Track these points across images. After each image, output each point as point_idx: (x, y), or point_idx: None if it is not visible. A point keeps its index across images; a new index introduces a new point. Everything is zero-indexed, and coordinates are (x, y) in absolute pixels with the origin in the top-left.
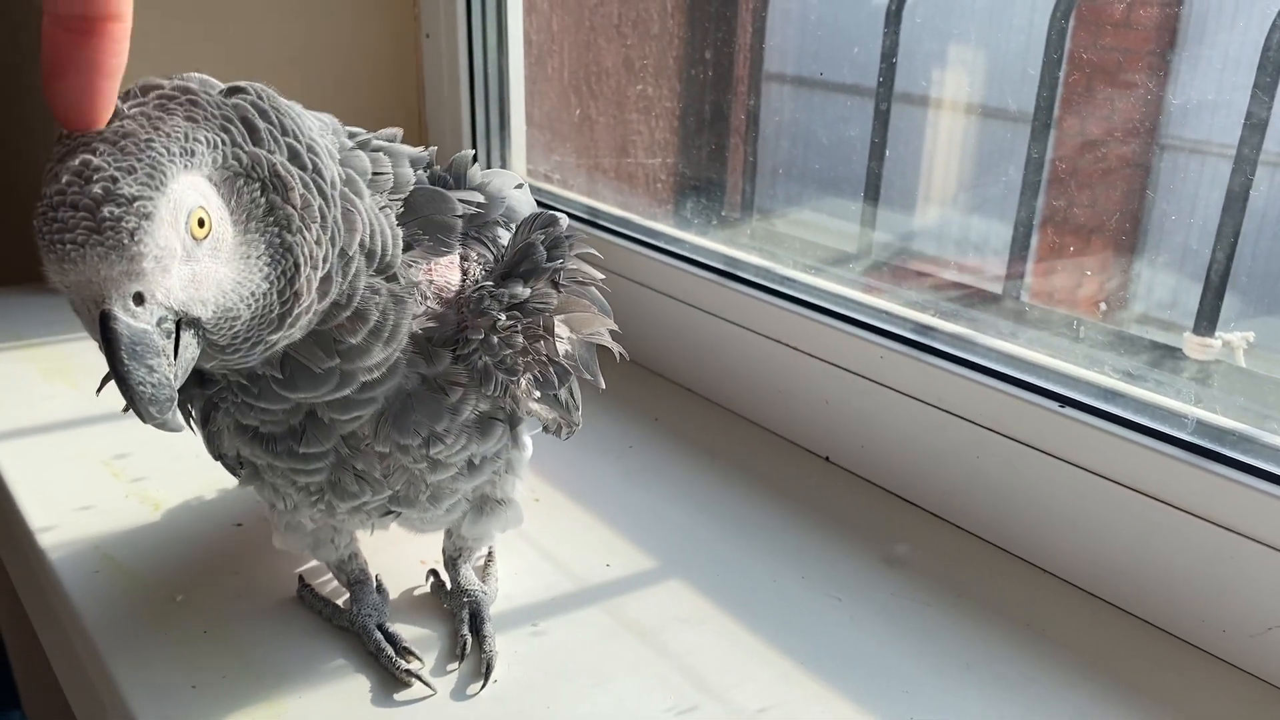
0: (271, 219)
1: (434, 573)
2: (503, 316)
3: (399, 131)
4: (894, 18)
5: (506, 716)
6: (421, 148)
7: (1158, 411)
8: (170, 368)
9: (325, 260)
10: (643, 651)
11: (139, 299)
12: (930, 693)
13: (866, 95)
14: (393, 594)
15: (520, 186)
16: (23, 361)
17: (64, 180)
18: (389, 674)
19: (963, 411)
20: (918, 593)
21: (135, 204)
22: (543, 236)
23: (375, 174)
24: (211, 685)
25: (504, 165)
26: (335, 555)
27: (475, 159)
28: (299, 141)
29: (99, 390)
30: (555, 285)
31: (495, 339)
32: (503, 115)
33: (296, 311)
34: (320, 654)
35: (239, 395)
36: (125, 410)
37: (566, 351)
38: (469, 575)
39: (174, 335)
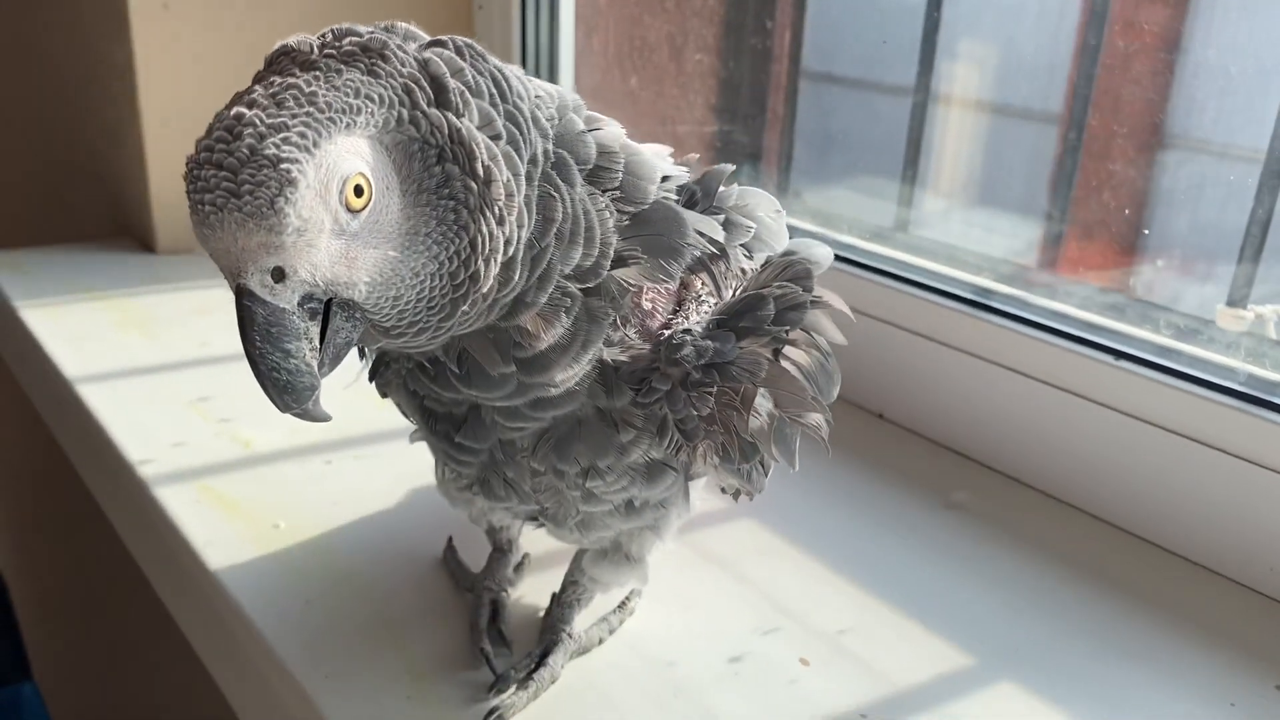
0: (447, 191)
1: (553, 597)
2: (698, 373)
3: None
4: None
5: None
6: (684, 165)
7: (1209, 365)
8: (313, 353)
9: (510, 245)
10: (723, 579)
11: (279, 274)
12: (993, 623)
13: (909, 63)
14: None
15: (779, 212)
16: (97, 313)
17: (214, 135)
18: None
19: (1019, 366)
20: (976, 534)
21: (280, 167)
22: (779, 291)
23: (599, 168)
24: (324, 599)
25: None
26: (489, 526)
27: (734, 175)
28: (496, 106)
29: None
30: (775, 354)
31: (682, 395)
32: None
33: (473, 297)
34: (432, 579)
35: (413, 364)
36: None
37: (761, 428)
38: (569, 614)
39: (321, 316)
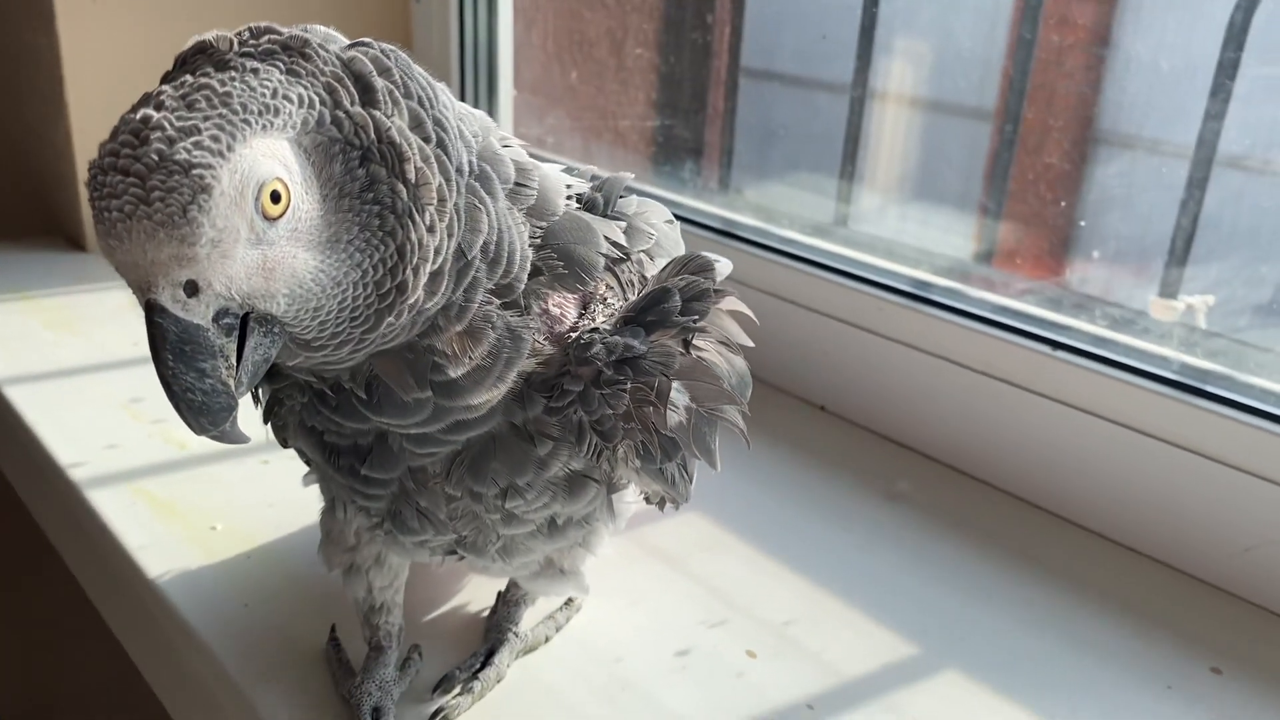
0: (372, 195)
1: (499, 596)
2: (610, 370)
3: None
4: None
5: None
6: (589, 176)
7: (1144, 355)
8: (229, 372)
9: (439, 253)
10: (669, 574)
11: (192, 288)
12: (936, 612)
13: (846, 56)
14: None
15: (670, 223)
16: (25, 314)
17: (119, 139)
18: None
19: (958, 358)
20: (919, 524)
21: (192, 173)
22: (684, 283)
23: (518, 185)
24: (263, 603)
25: None
26: (366, 597)
27: (628, 186)
28: (425, 110)
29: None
30: (685, 345)
31: (596, 394)
32: (491, 80)
33: (399, 308)
34: None
35: (309, 396)
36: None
37: (680, 423)
38: (515, 614)
39: (238, 331)
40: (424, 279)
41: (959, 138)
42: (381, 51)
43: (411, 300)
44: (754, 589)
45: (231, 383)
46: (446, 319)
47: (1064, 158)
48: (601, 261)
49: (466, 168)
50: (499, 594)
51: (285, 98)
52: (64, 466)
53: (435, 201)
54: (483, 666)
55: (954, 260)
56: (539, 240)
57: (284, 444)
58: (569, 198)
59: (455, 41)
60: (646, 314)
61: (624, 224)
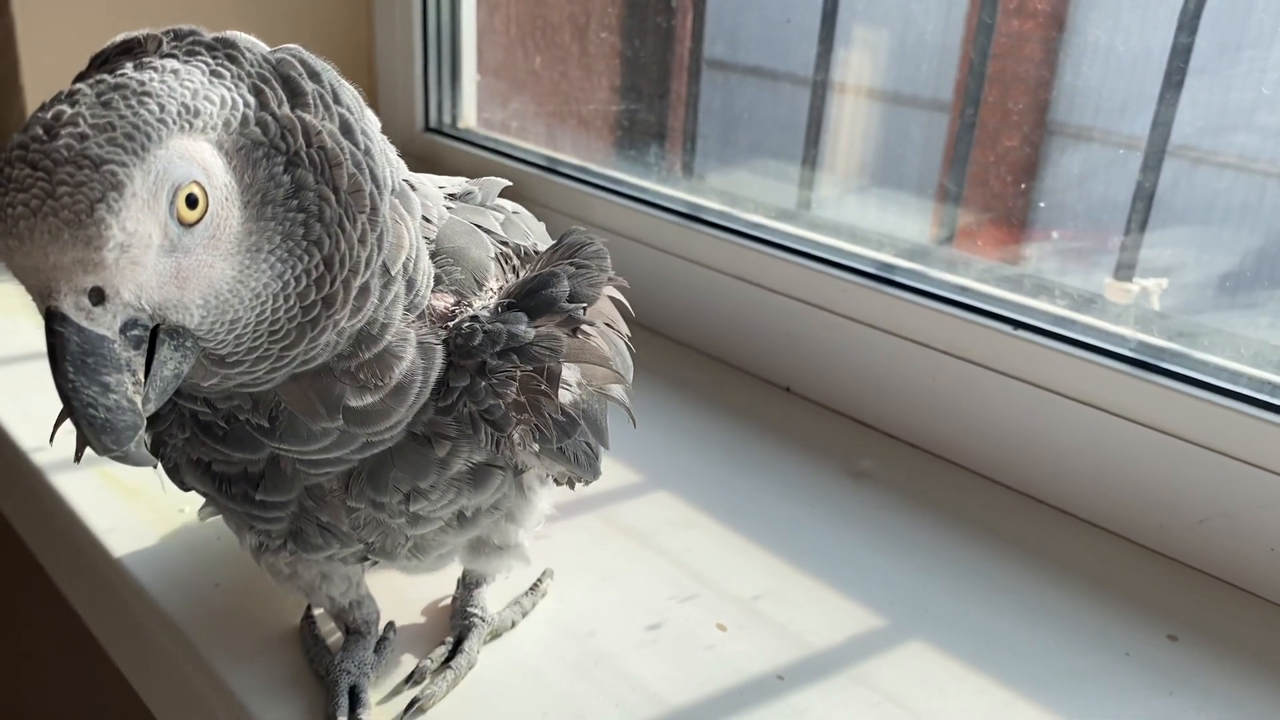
0: (296, 203)
1: (459, 582)
2: (494, 359)
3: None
4: None
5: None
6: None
7: (1102, 333)
8: (135, 388)
9: (368, 265)
10: (639, 551)
11: (98, 296)
12: (901, 585)
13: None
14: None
15: (540, 224)
16: None
17: (30, 133)
18: None
19: (921, 338)
20: (882, 501)
21: (103, 169)
22: (571, 268)
23: (424, 219)
24: (233, 583)
25: (456, 115)
26: (330, 605)
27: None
28: (354, 115)
29: (51, 436)
30: (574, 331)
31: (482, 385)
32: (455, 65)
33: (325, 323)
34: None
35: (190, 431)
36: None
37: (574, 401)
38: (478, 597)
39: (146, 345)
40: (354, 292)
41: (920, 123)
42: (303, 54)
43: (339, 315)
44: (722, 565)
45: (138, 400)
46: (364, 340)
47: (1024, 141)
48: (492, 261)
49: (390, 181)
50: (458, 580)
51: (207, 98)
52: (27, 451)
53: (368, 210)
54: (453, 654)
55: (915, 244)
56: (433, 248)
57: (182, 486)
58: (447, 196)
59: (418, 25)
60: (531, 299)
61: (502, 217)
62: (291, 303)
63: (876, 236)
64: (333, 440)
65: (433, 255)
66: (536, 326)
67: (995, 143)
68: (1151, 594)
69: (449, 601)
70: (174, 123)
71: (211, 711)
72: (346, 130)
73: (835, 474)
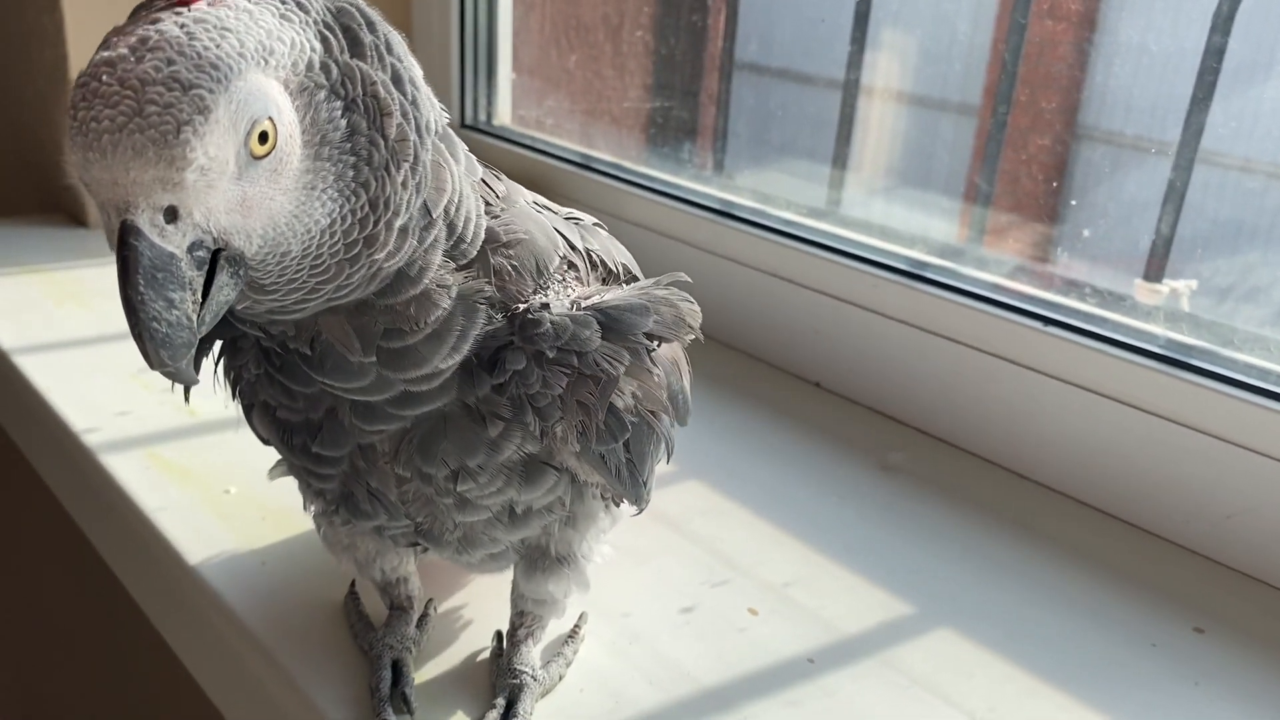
0: (349, 145)
1: (499, 636)
2: (552, 352)
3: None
4: None
5: None
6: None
7: (1132, 330)
8: (195, 306)
9: (408, 208)
10: (672, 537)
11: (171, 215)
12: (930, 575)
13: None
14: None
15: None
16: (33, 286)
17: (115, 51)
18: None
19: (951, 333)
20: (912, 493)
21: (190, 93)
22: (666, 304)
23: (470, 156)
24: (280, 561)
25: (491, 112)
26: (380, 579)
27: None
28: (403, 65)
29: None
30: (644, 359)
31: (536, 372)
32: (490, 63)
33: (364, 261)
34: None
35: (261, 365)
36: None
37: (624, 408)
38: (526, 654)
39: (206, 268)
40: (394, 233)
41: (949, 123)
42: (367, 8)
43: (378, 255)
44: (754, 552)
45: (195, 318)
46: (402, 280)
47: (1055, 141)
48: (558, 255)
49: (433, 127)
50: (498, 634)
51: (280, 39)
52: (78, 432)
53: (411, 159)
54: (507, 716)
55: (944, 243)
56: (497, 215)
57: (255, 433)
58: (534, 204)
59: (455, 24)
60: (610, 314)
61: (585, 232)
62: (336, 239)
63: (906, 235)
64: (370, 381)
65: (496, 218)
66: (605, 340)
67: (1026, 142)
68: (1179, 587)
69: (486, 655)
70: (252, 59)
71: (261, 684)
72: (397, 80)
73: (865, 467)
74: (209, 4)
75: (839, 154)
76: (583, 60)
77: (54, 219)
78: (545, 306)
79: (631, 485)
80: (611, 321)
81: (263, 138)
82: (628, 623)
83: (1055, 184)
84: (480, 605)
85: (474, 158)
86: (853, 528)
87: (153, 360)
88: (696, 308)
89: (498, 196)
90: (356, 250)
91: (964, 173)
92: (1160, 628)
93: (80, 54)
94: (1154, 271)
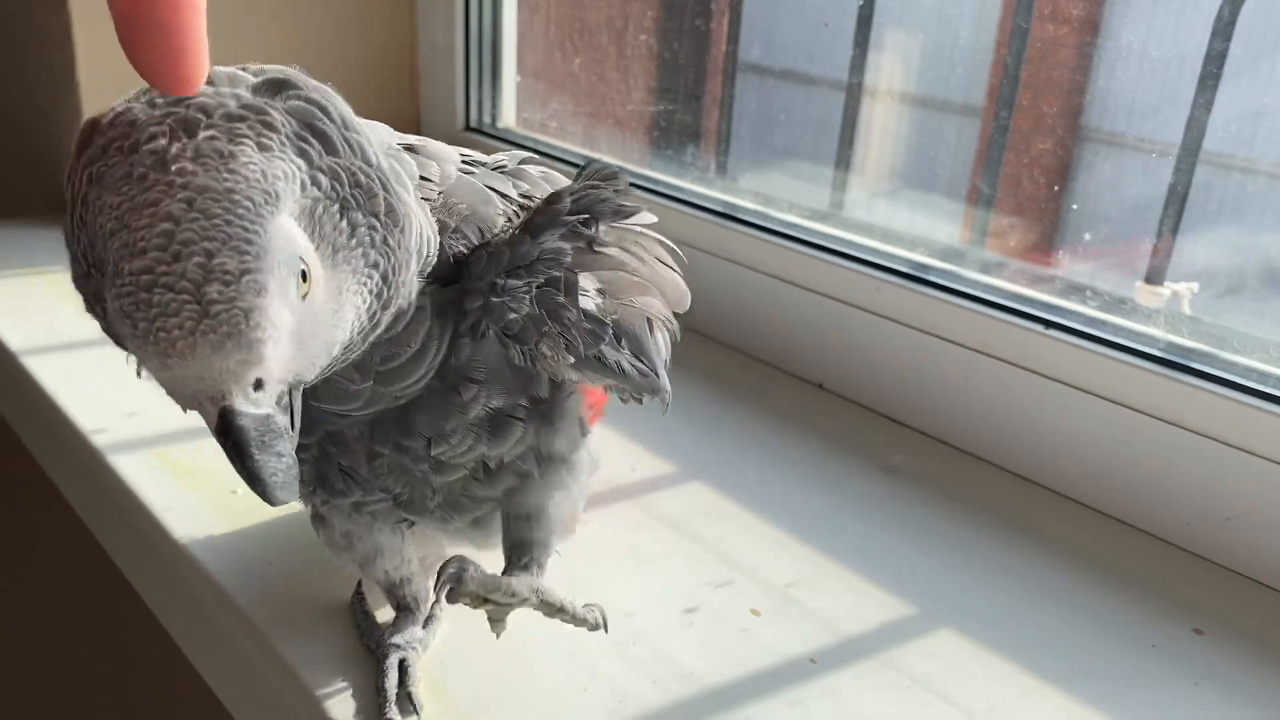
0: (354, 240)
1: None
2: (502, 278)
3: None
4: None
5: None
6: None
7: (1133, 333)
8: (292, 443)
9: (405, 266)
10: (675, 538)
11: (258, 384)
12: (931, 576)
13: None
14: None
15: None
16: (39, 287)
17: (148, 256)
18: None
19: (952, 336)
20: (913, 495)
21: (243, 279)
22: (577, 191)
23: (422, 178)
24: (285, 561)
25: (496, 115)
26: (384, 579)
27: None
28: (353, 132)
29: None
30: (589, 244)
31: (496, 303)
32: (495, 66)
33: (379, 322)
34: None
35: None
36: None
37: (598, 308)
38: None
39: (288, 403)
40: (402, 288)
41: (952, 126)
42: (307, 88)
43: (391, 309)
44: (756, 553)
45: (293, 450)
46: (398, 316)
47: (1057, 144)
48: (500, 217)
49: (382, 162)
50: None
51: (276, 177)
52: (86, 433)
53: (397, 218)
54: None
55: (947, 245)
56: (439, 201)
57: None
58: (466, 162)
59: (460, 27)
60: (534, 220)
61: (524, 185)
62: (363, 320)
63: (909, 238)
64: (364, 399)
65: (439, 206)
66: (541, 243)
67: (1028, 146)
68: (1178, 589)
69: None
70: (267, 214)
71: (268, 683)
72: (361, 152)
73: (867, 469)
74: (193, 159)
75: (841, 156)
76: (587, 63)
77: (62, 220)
78: (484, 245)
79: (643, 379)
80: (536, 221)
81: (302, 277)
82: (631, 623)
83: (1057, 187)
84: None
85: (402, 152)
86: (855, 529)
87: (276, 502)
88: (612, 168)
89: (435, 182)
90: (377, 318)
91: (966, 175)
92: (1160, 629)
93: (88, 55)
94: (1155, 274)
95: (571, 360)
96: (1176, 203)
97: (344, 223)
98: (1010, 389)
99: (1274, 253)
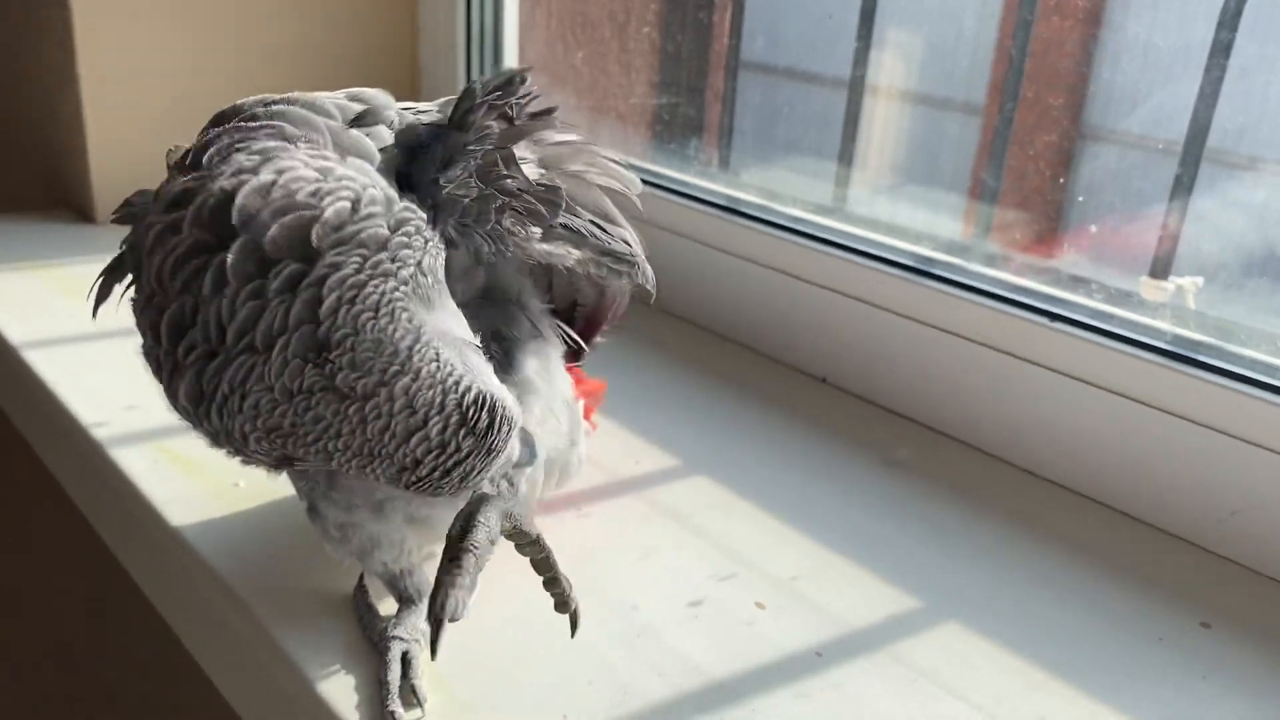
0: (422, 277)
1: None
2: (439, 175)
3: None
4: None
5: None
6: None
7: (1138, 326)
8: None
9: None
10: (679, 531)
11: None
12: (937, 569)
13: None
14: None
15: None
16: (41, 281)
17: (433, 445)
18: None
19: (957, 330)
20: (918, 489)
21: (505, 413)
22: (485, 79)
23: (366, 125)
24: (287, 554)
25: None
26: (383, 571)
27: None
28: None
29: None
30: (506, 119)
31: (444, 197)
32: (497, 59)
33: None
34: None
35: None
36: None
37: (542, 175)
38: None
39: None
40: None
41: (955, 121)
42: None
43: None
44: (761, 547)
45: None
46: None
47: (1061, 137)
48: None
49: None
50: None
51: (400, 279)
52: (87, 426)
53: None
54: (465, 531)
55: (951, 240)
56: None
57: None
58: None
59: (461, 21)
60: (453, 115)
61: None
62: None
63: (913, 232)
64: None
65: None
66: (467, 126)
67: (1032, 139)
68: (1185, 583)
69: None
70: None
71: (270, 676)
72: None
73: (871, 463)
74: (358, 299)
75: (845, 151)
76: (589, 57)
77: (61, 214)
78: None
79: (620, 256)
80: (454, 120)
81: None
82: (636, 616)
83: (1061, 180)
84: (490, 597)
85: (363, 138)
86: (859, 522)
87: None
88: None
89: (330, 161)
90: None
91: (970, 169)
92: (1167, 622)
93: (88, 51)
94: (1160, 268)
95: (539, 232)
96: (1181, 196)
97: (409, 253)
98: (1015, 382)
99: (1278, 246)
